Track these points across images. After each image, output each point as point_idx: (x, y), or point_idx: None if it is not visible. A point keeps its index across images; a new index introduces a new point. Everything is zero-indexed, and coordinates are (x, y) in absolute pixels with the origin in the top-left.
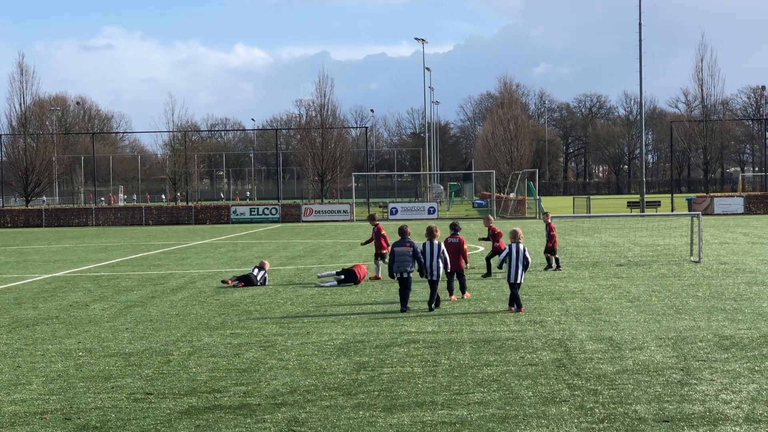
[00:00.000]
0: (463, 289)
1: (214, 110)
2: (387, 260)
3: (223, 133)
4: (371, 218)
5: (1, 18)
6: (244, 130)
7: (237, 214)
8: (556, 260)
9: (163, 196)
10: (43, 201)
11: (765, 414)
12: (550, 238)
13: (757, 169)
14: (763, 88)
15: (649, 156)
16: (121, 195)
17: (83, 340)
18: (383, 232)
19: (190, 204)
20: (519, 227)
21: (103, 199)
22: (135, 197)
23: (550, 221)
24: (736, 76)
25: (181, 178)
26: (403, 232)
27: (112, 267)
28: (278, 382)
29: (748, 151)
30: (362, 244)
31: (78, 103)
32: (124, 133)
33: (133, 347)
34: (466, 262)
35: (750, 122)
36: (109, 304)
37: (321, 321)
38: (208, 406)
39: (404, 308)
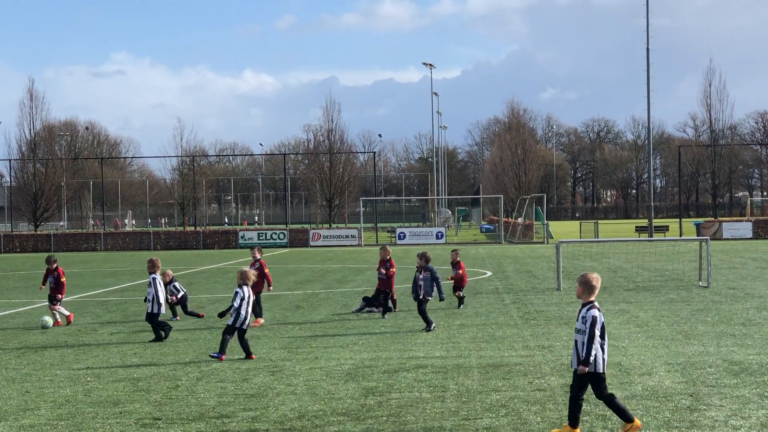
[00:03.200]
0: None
1: (222, 135)
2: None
3: (231, 158)
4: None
5: (11, 44)
6: (252, 155)
7: (245, 239)
8: (461, 298)
9: (163, 221)
10: (63, 225)
11: None
12: (461, 277)
13: (765, 193)
14: None
15: (657, 180)
16: (130, 220)
17: (91, 365)
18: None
19: (198, 229)
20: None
21: (103, 223)
22: (149, 222)
23: (459, 259)
24: (744, 100)
25: (189, 202)
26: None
27: (121, 292)
28: (286, 407)
29: (757, 175)
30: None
31: (87, 128)
32: (132, 158)
33: (141, 372)
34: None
35: (758, 147)
36: (118, 329)
37: (329, 346)
38: (216, 431)
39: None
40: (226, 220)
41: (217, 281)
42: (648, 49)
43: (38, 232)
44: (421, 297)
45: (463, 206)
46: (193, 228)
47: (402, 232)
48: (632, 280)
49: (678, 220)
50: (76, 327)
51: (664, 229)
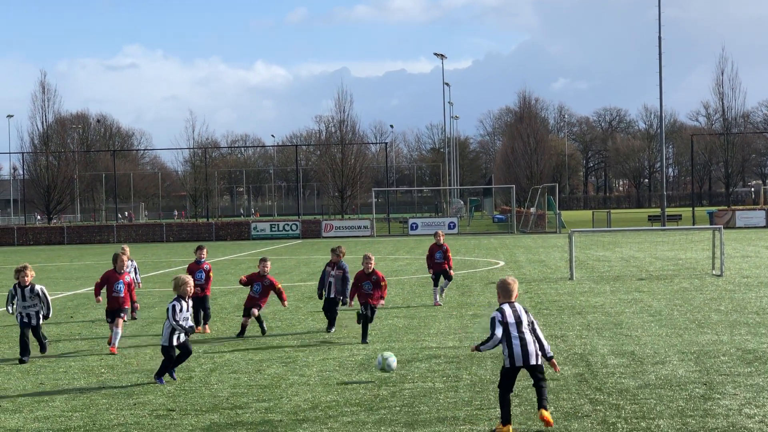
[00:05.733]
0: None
1: (234, 127)
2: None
3: (243, 149)
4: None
5: (25, 37)
6: (264, 146)
7: (257, 231)
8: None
9: (175, 212)
10: (76, 217)
11: None
12: (447, 259)
13: None
14: None
15: (670, 169)
16: (142, 212)
17: (106, 357)
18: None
19: (210, 220)
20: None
21: (120, 216)
22: (161, 213)
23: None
24: (757, 89)
25: (201, 194)
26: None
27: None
28: (300, 398)
29: None
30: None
31: (99, 120)
32: (144, 150)
33: (155, 363)
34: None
35: None
36: (131, 321)
37: (342, 337)
38: (229, 422)
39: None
40: (242, 212)
41: (229, 272)
42: (660, 38)
43: (51, 225)
44: (332, 296)
45: (476, 196)
46: (205, 220)
47: (414, 223)
48: (645, 269)
49: (691, 208)
50: (89, 319)
51: (676, 218)
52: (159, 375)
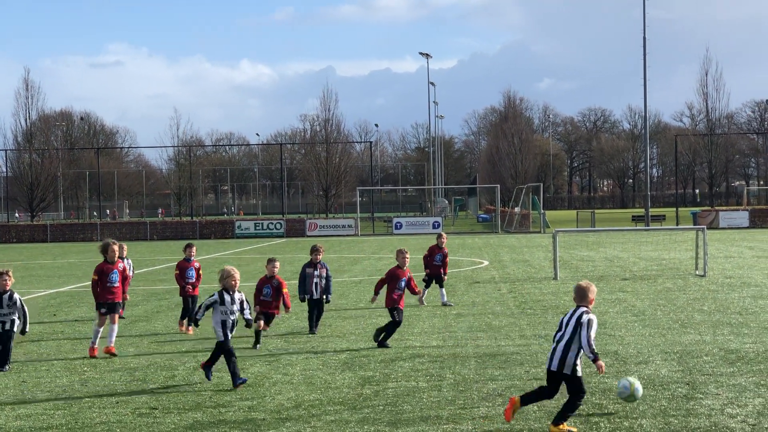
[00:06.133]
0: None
1: (219, 126)
2: None
3: (227, 148)
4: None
5: (9, 34)
6: (248, 145)
7: (242, 229)
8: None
9: (160, 210)
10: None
11: None
12: (445, 264)
13: (762, 182)
14: None
15: (654, 170)
16: (124, 210)
17: (88, 355)
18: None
19: (194, 219)
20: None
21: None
22: (143, 211)
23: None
24: (740, 90)
25: (185, 193)
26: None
27: None
28: (283, 397)
29: (753, 164)
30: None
31: (82, 118)
32: (129, 147)
33: (138, 362)
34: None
35: (755, 136)
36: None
37: (326, 336)
38: (212, 420)
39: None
40: (225, 210)
41: (213, 271)
42: (644, 39)
43: (35, 223)
44: (317, 297)
45: (460, 196)
46: (189, 218)
47: (398, 222)
48: (629, 269)
49: (674, 209)
50: (72, 317)
51: (660, 218)
52: (207, 366)
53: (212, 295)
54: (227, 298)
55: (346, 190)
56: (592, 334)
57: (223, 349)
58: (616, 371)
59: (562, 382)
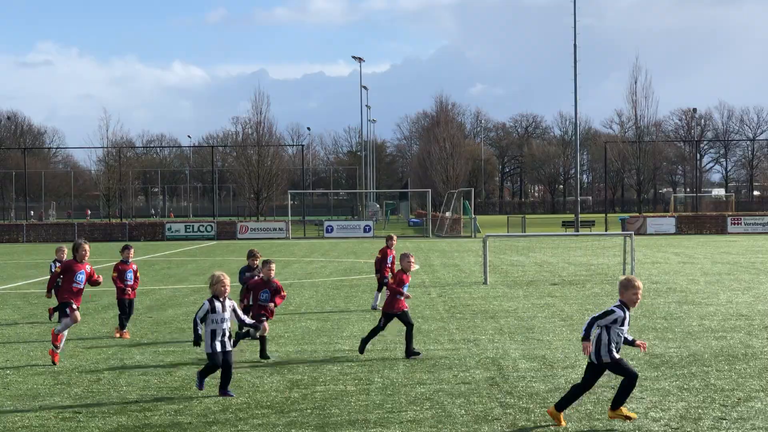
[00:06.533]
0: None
1: (150, 127)
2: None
3: (158, 150)
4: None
5: None
6: (179, 146)
7: (172, 231)
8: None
9: (88, 212)
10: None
11: None
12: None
13: (688, 190)
14: (695, 110)
15: (584, 176)
16: (49, 212)
17: (11, 358)
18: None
19: (124, 220)
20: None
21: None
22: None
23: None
24: (669, 98)
25: (115, 194)
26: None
27: (43, 284)
28: (210, 401)
29: (680, 172)
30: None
31: (9, 117)
32: (57, 148)
33: (62, 365)
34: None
35: (682, 144)
36: (39, 322)
37: (254, 340)
38: (137, 424)
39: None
40: (153, 212)
41: (142, 273)
42: (575, 46)
43: None
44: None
45: (392, 200)
46: (119, 220)
47: (330, 226)
48: (558, 274)
49: (604, 215)
50: None
51: (590, 224)
52: (201, 377)
53: (202, 305)
54: (218, 305)
55: (278, 193)
56: (596, 317)
57: (212, 361)
58: (543, 375)
59: (602, 372)
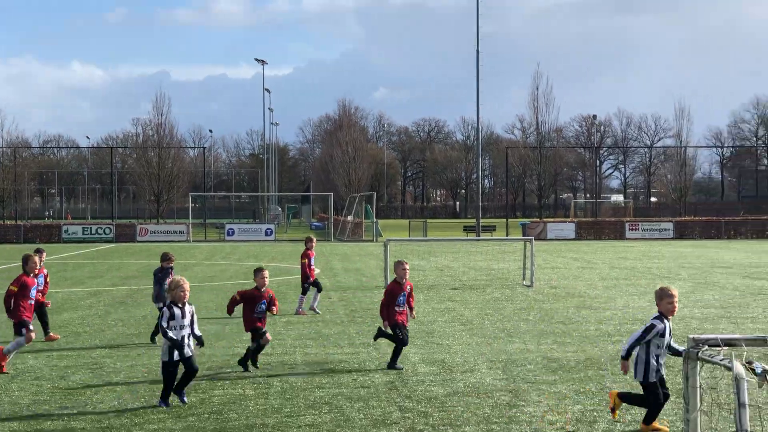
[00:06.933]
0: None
1: (47, 127)
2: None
3: (56, 150)
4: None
5: None
6: (78, 147)
7: (69, 234)
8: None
9: None
10: None
11: None
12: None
13: (588, 195)
14: (594, 117)
15: (486, 181)
16: None
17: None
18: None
19: (18, 222)
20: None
21: None
22: None
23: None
24: (569, 105)
25: (9, 195)
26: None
27: None
28: (105, 406)
29: (580, 177)
30: None
31: None
32: None
33: None
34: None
35: (582, 150)
36: None
37: (151, 343)
38: (29, 430)
39: None
40: (47, 214)
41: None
42: (478, 53)
43: None
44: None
45: (294, 203)
46: (14, 221)
47: (231, 229)
48: (458, 278)
49: (505, 220)
50: None
51: (491, 228)
52: (163, 398)
53: (162, 313)
54: (177, 311)
55: (179, 196)
56: (639, 336)
57: (164, 371)
58: (442, 379)
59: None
